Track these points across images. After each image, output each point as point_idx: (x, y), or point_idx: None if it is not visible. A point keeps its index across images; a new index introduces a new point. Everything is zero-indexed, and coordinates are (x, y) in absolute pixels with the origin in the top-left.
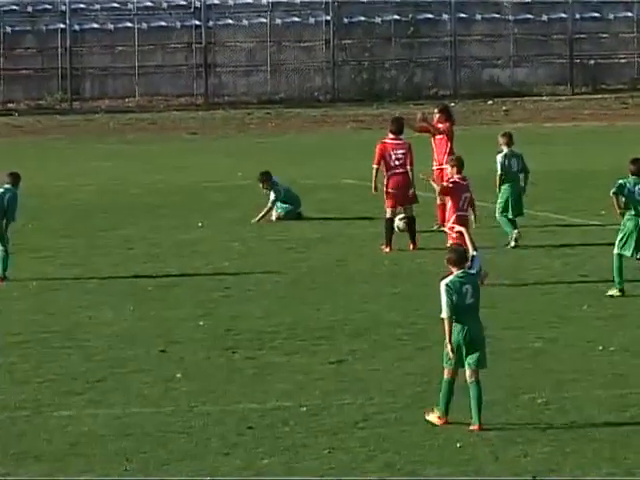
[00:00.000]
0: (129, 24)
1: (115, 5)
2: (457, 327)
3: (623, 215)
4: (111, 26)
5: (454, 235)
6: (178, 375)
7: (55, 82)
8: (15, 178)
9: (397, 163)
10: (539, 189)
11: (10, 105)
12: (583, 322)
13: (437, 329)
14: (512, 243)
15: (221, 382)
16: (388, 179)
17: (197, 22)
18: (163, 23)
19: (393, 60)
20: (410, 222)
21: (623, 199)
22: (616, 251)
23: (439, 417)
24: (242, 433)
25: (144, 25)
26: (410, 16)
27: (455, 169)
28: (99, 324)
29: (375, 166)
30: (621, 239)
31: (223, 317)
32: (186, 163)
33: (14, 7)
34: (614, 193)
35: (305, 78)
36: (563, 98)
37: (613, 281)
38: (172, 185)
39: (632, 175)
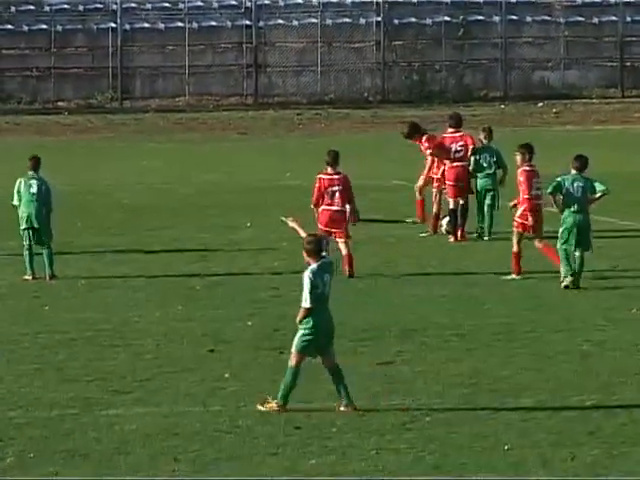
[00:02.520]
0: (180, 24)
1: (166, 5)
2: (320, 316)
3: (564, 212)
4: (162, 25)
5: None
6: (226, 375)
7: (105, 81)
8: (36, 163)
9: (457, 156)
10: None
11: (60, 104)
12: (631, 325)
13: (486, 331)
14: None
15: (269, 382)
16: (448, 171)
17: (248, 22)
18: (214, 23)
19: (443, 61)
20: (464, 211)
21: (561, 197)
22: (558, 246)
23: (278, 405)
24: (289, 433)
25: (195, 25)
26: (461, 18)
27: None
28: (148, 323)
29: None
30: (562, 234)
31: (271, 317)
32: (235, 163)
33: (65, 6)
34: (550, 193)
35: (355, 79)
36: (613, 101)
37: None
38: (221, 185)
39: (575, 171)
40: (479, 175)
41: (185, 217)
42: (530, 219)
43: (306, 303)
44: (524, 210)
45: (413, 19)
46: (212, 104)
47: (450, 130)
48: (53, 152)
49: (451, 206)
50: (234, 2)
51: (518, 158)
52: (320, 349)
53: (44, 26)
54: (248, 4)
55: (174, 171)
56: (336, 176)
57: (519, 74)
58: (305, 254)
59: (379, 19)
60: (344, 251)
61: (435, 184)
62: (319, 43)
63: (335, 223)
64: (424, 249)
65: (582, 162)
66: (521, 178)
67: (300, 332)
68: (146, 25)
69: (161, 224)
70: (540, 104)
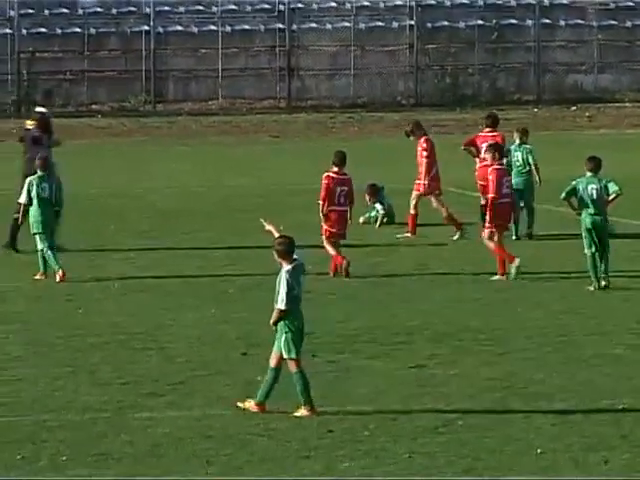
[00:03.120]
0: (213, 27)
1: (199, 8)
2: (297, 316)
3: (581, 215)
4: (195, 29)
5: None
6: (259, 378)
7: (138, 84)
8: (45, 162)
9: (484, 156)
10: (622, 196)
11: (94, 107)
12: None
13: (519, 334)
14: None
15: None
16: (479, 170)
17: (281, 25)
18: (247, 26)
19: (476, 65)
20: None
21: (575, 200)
22: (585, 251)
23: (308, 409)
24: (322, 437)
25: (228, 28)
26: (494, 21)
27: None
28: (181, 326)
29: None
30: (584, 239)
31: (304, 320)
32: (268, 166)
33: (98, 9)
34: (565, 198)
35: (388, 82)
36: None
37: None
38: (254, 188)
39: (588, 172)
40: (512, 175)
41: (218, 220)
42: (498, 218)
43: (282, 305)
44: (490, 211)
45: (446, 22)
46: (245, 107)
47: (486, 130)
48: (86, 155)
49: (482, 202)
50: (267, 5)
51: (488, 157)
52: (297, 348)
53: (77, 29)
54: (281, 7)
55: (207, 174)
56: (344, 176)
57: (552, 77)
58: (276, 255)
59: (412, 22)
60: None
61: (418, 188)
62: (352, 46)
63: (342, 224)
64: (457, 252)
65: (596, 163)
66: (490, 177)
67: (284, 336)
68: (179, 28)
69: (194, 227)
70: (573, 108)
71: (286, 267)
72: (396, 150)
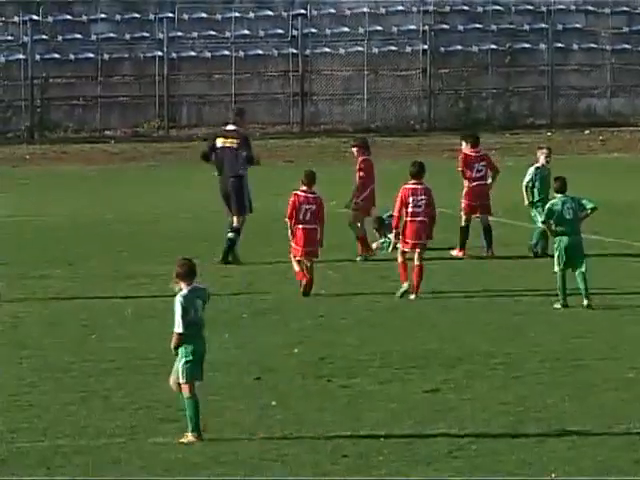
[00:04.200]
0: (226, 52)
1: (212, 33)
2: (195, 342)
3: (557, 236)
4: (208, 54)
5: None
6: (272, 403)
7: (152, 109)
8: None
9: (478, 175)
10: (635, 219)
11: (107, 132)
12: None
13: (532, 359)
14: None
15: (315, 410)
16: (468, 191)
17: (294, 50)
18: (260, 51)
19: (490, 89)
20: (487, 230)
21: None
22: (555, 269)
23: (195, 436)
24: (336, 462)
25: (241, 53)
26: (507, 45)
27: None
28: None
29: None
30: (556, 258)
31: (317, 345)
32: (281, 191)
33: (112, 34)
34: (544, 222)
35: (401, 107)
36: None
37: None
38: (267, 213)
39: (557, 193)
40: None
41: None
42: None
43: (178, 328)
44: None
45: (459, 47)
46: (258, 132)
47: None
48: (100, 181)
49: (462, 223)
50: (280, 31)
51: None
52: (199, 373)
53: (91, 55)
54: (294, 33)
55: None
56: (311, 195)
57: (565, 101)
58: (176, 278)
59: (425, 47)
60: (307, 272)
61: (355, 209)
62: (365, 71)
63: (310, 242)
64: (468, 275)
65: (563, 182)
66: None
67: (181, 360)
68: (192, 54)
69: (209, 252)
70: (586, 132)
71: (183, 291)
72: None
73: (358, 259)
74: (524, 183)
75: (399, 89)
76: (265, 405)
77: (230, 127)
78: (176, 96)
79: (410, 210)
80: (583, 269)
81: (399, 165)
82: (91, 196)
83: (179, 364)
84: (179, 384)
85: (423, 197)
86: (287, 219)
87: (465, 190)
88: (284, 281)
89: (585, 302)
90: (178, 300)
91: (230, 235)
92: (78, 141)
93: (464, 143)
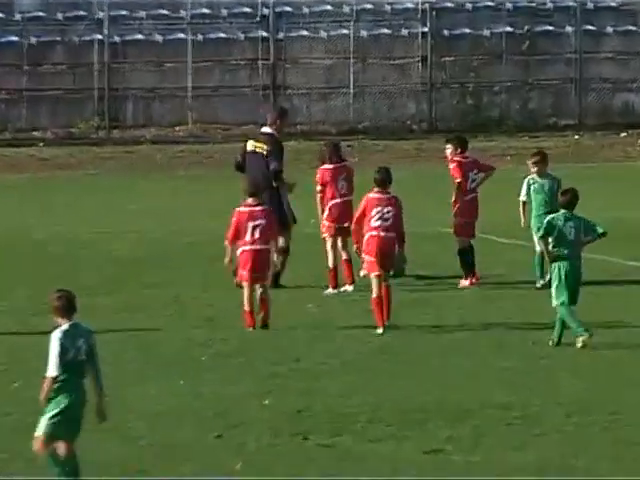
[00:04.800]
0: (181, 35)
1: (164, 12)
2: (72, 390)
3: (555, 260)
4: (159, 38)
5: None
6: (237, 466)
7: (90, 106)
8: None
9: (472, 186)
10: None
11: (35, 133)
12: None
13: (556, 411)
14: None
15: (290, 474)
16: (462, 205)
17: (264, 33)
18: (222, 35)
19: (504, 82)
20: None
21: (551, 240)
22: (555, 303)
23: None
24: None
25: (199, 37)
26: (525, 28)
27: None
28: (142, 401)
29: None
30: (556, 288)
31: (292, 395)
32: None
33: (40, 13)
34: (542, 236)
35: (395, 103)
36: None
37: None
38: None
39: (562, 209)
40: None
41: (189, 271)
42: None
43: (51, 371)
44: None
45: (467, 30)
46: (220, 134)
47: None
48: (27, 191)
49: (459, 247)
50: (247, 9)
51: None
52: (69, 433)
53: (14, 38)
54: (265, 11)
55: (175, 215)
56: (258, 208)
57: (597, 97)
58: (53, 312)
59: (425, 30)
60: (261, 299)
61: (326, 231)
62: (351, 59)
63: (257, 266)
64: (476, 310)
65: (572, 197)
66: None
67: (48, 413)
68: (140, 37)
69: (159, 280)
70: (623, 134)
71: (62, 327)
72: (404, 186)
73: (326, 292)
74: (520, 199)
75: (393, 81)
76: (229, 469)
77: (266, 129)
78: (119, 89)
79: (374, 224)
80: (573, 303)
81: (394, 175)
82: (16, 211)
83: (43, 417)
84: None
85: (390, 209)
86: (227, 243)
87: (458, 205)
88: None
89: (585, 337)
90: (55, 336)
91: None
92: (0, 144)
93: (451, 148)
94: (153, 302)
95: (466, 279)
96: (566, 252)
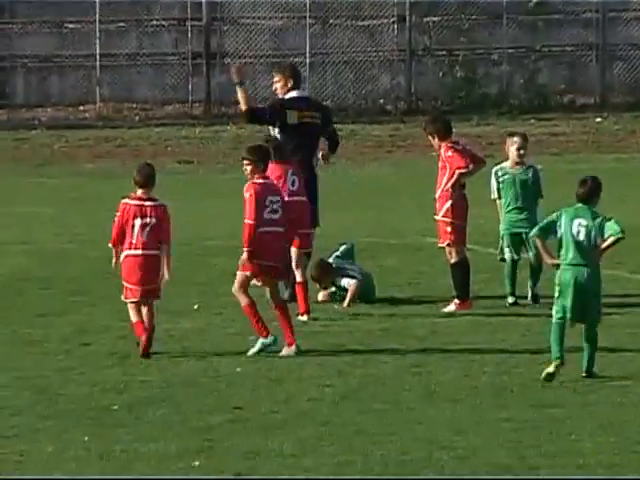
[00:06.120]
0: None
1: None
2: None
3: (558, 266)
4: None
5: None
6: None
7: None
8: None
9: (463, 180)
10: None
11: None
12: None
13: (576, 475)
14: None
15: None
16: (457, 204)
17: None
18: None
19: (504, 49)
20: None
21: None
22: (555, 318)
23: None
24: None
25: None
26: None
27: None
28: (37, 462)
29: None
30: (556, 299)
31: (233, 454)
32: (178, 209)
33: None
34: (537, 236)
35: (364, 76)
36: None
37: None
38: None
39: (578, 202)
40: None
41: (94, 294)
42: None
43: None
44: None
45: None
46: (138, 116)
47: (451, 139)
48: None
49: (455, 259)
50: None
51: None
52: None
53: None
54: None
55: (77, 221)
56: (148, 203)
57: (625, 69)
58: None
59: None
60: (146, 321)
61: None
62: (308, 19)
63: (148, 276)
64: (465, 341)
65: (589, 188)
66: (248, 194)
67: None
68: None
69: (57, 307)
70: None
71: None
72: (376, 183)
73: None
74: (492, 197)
75: (361, 48)
76: None
77: (300, 93)
78: (6, 57)
79: (265, 217)
80: (592, 322)
81: (363, 170)
82: None
83: None
84: None
85: (278, 198)
86: (112, 245)
87: (458, 204)
88: (180, 352)
89: (553, 367)
90: None
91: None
92: None
93: (434, 135)
94: (49, 334)
95: (459, 302)
96: (570, 256)
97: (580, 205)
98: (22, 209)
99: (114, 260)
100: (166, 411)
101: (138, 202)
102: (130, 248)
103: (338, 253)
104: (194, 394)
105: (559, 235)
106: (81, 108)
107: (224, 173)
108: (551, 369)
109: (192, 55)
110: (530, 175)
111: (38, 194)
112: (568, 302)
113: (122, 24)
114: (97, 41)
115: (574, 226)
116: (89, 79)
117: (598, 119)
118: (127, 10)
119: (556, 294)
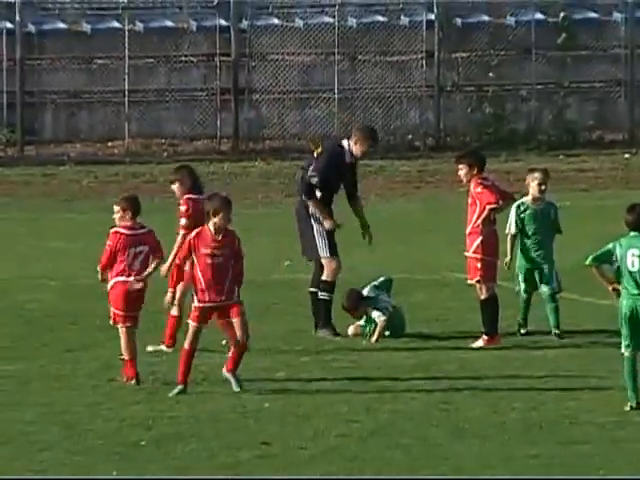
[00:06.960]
0: (115, 24)
1: None
2: None
3: (619, 295)
4: (87, 27)
5: None
6: None
7: None
8: None
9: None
10: None
11: None
12: None
13: None
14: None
15: None
16: (488, 239)
17: (223, 22)
18: (169, 23)
19: (533, 85)
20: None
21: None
22: (623, 350)
23: None
24: None
25: (139, 26)
26: (561, 15)
27: None
28: None
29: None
30: (620, 330)
31: None
32: None
33: None
34: (592, 265)
35: (393, 112)
36: None
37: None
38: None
39: (629, 229)
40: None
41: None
42: None
43: None
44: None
45: (485, 17)
46: (166, 152)
47: (482, 175)
48: None
49: (485, 295)
50: None
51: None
52: None
53: None
54: None
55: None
56: (141, 231)
57: None
58: None
59: (432, 17)
60: (126, 354)
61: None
62: (336, 56)
63: (132, 302)
64: (492, 377)
65: (637, 214)
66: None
67: None
68: (61, 26)
69: (85, 341)
70: None
71: None
72: (404, 218)
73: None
74: (508, 232)
75: (390, 84)
76: None
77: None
78: (35, 93)
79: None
80: None
81: (392, 206)
82: None
83: None
84: None
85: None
86: (101, 270)
87: (481, 239)
88: (207, 386)
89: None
90: None
91: (312, 290)
92: None
93: (464, 168)
94: (77, 369)
95: (487, 337)
96: (628, 287)
97: (634, 234)
98: (51, 244)
99: (100, 278)
100: (194, 447)
101: (131, 232)
102: (122, 275)
103: (376, 283)
104: (222, 430)
105: (615, 266)
106: (110, 144)
107: (252, 208)
108: (627, 408)
109: (220, 91)
110: (552, 211)
111: (67, 229)
112: (625, 332)
113: (151, 60)
114: (126, 77)
115: (628, 256)
116: (118, 115)
117: (627, 155)
118: (156, 46)
119: (619, 324)
